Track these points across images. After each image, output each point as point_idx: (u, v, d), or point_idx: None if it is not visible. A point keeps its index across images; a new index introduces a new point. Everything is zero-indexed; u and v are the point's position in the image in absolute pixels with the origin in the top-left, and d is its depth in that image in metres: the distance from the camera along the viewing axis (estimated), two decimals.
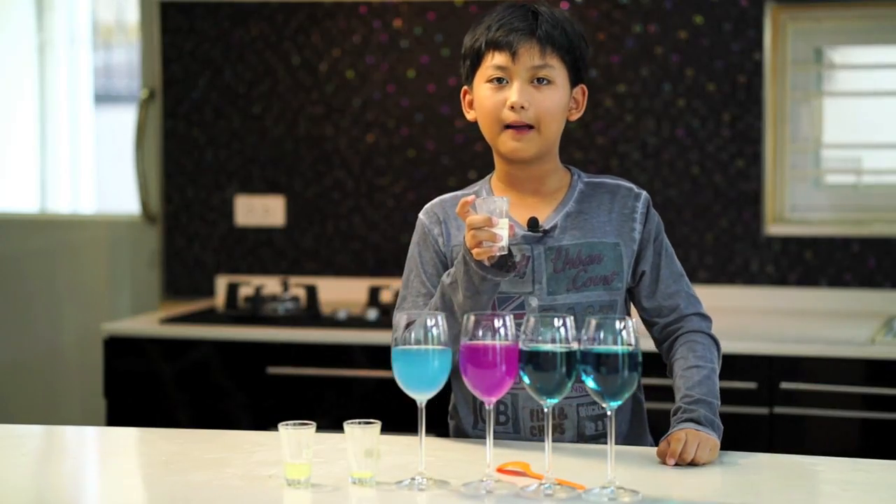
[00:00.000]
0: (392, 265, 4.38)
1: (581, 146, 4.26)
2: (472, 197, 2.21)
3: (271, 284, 4.36)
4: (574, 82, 2.40)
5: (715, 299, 4.17)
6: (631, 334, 1.98)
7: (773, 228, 4.17)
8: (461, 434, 2.45)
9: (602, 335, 1.98)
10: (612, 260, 2.37)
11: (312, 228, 4.50)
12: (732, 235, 4.19)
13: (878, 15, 4.16)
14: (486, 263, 2.20)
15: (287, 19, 4.47)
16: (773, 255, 4.17)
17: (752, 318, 4.01)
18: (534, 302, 2.35)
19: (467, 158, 4.36)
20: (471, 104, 2.43)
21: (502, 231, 2.16)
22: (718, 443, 2.24)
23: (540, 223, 2.37)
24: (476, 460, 2.17)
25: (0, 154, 5.07)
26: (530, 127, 2.34)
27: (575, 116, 2.42)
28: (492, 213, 2.15)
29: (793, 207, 4.22)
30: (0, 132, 5.05)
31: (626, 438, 2.42)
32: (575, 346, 2.00)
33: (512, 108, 2.33)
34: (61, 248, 4.82)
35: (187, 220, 4.57)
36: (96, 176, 5.10)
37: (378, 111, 4.44)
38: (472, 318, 2.02)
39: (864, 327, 3.79)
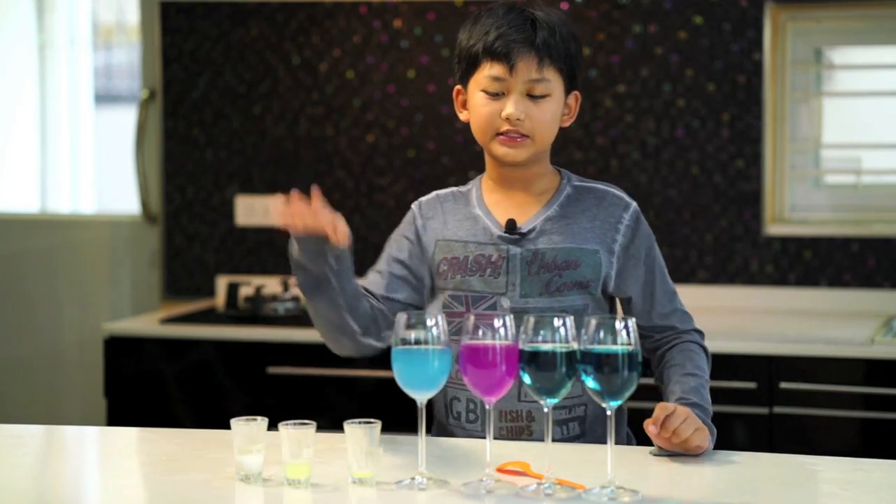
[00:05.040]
0: None
1: (581, 146, 4.26)
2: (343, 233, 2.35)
3: (271, 284, 4.36)
4: (568, 90, 2.39)
5: (715, 299, 4.17)
6: (631, 334, 1.98)
7: (773, 228, 4.17)
8: (440, 427, 2.45)
9: (602, 335, 1.98)
10: (589, 267, 2.36)
11: None
12: (732, 235, 4.19)
13: (877, 15, 4.16)
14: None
15: (287, 19, 4.47)
16: (773, 255, 4.17)
17: (751, 318, 4.00)
18: (505, 303, 2.35)
19: (467, 158, 4.36)
20: (464, 104, 2.42)
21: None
22: (712, 441, 2.23)
23: (517, 226, 2.37)
24: (476, 460, 2.17)
25: (0, 154, 5.07)
26: (524, 136, 2.35)
27: (567, 123, 2.42)
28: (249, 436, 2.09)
29: (792, 207, 4.22)
30: (0, 132, 5.05)
31: (601, 441, 2.41)
32: (575, 345, 2.00)
33: (507, 119, 2.33)
34: (61, 248, 4.82)
35: (187, 220, 4.57)
36: (96, 176, 5.10)
37: (378, 111, 4.44)
38: (472, 318, 2.03)
39: (863, 327, 3.79)
